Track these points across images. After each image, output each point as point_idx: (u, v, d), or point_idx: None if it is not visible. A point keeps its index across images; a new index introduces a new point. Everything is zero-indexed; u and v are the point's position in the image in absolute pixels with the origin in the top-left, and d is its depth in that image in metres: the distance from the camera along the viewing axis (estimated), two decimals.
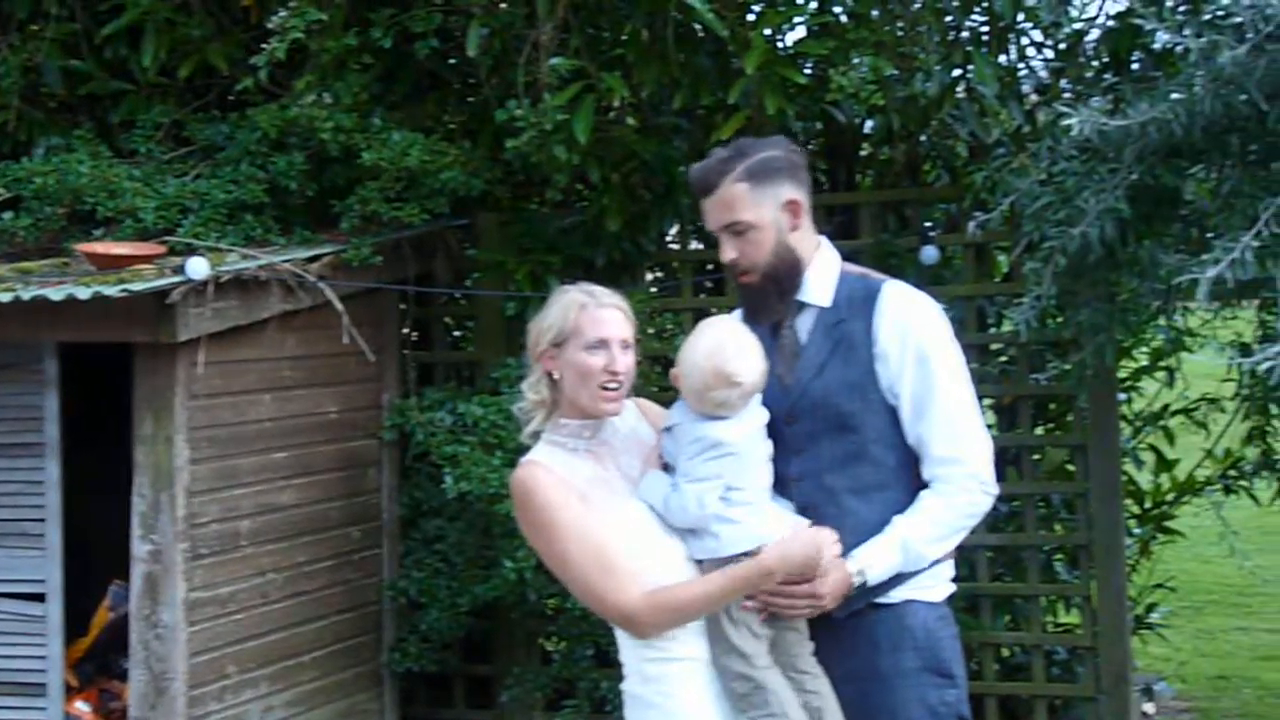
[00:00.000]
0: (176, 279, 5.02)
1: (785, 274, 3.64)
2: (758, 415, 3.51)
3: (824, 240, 3.77)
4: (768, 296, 3.65)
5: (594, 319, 3.52)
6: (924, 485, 3.61)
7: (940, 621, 3.64)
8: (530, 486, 3.47)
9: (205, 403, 5.27)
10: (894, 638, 3.59)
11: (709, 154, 3.74)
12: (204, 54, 6.11)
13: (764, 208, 3.61)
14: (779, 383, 3.64)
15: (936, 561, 3.65)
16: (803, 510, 3.58)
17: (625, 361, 3.51)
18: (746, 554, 3.41)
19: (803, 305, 3.68)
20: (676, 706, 3.42)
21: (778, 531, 3.45)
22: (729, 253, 3.64)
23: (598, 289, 3.60)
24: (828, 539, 3.47)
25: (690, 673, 3.43)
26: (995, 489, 3.62)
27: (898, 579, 3.58)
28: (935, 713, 3.61)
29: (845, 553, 3.53)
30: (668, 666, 3.43)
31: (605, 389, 3.48)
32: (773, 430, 3.60)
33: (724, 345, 3.50)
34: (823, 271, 3.70)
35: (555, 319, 3.54)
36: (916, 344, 3.59)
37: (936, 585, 3.66)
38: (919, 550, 3.55)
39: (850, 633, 3.57)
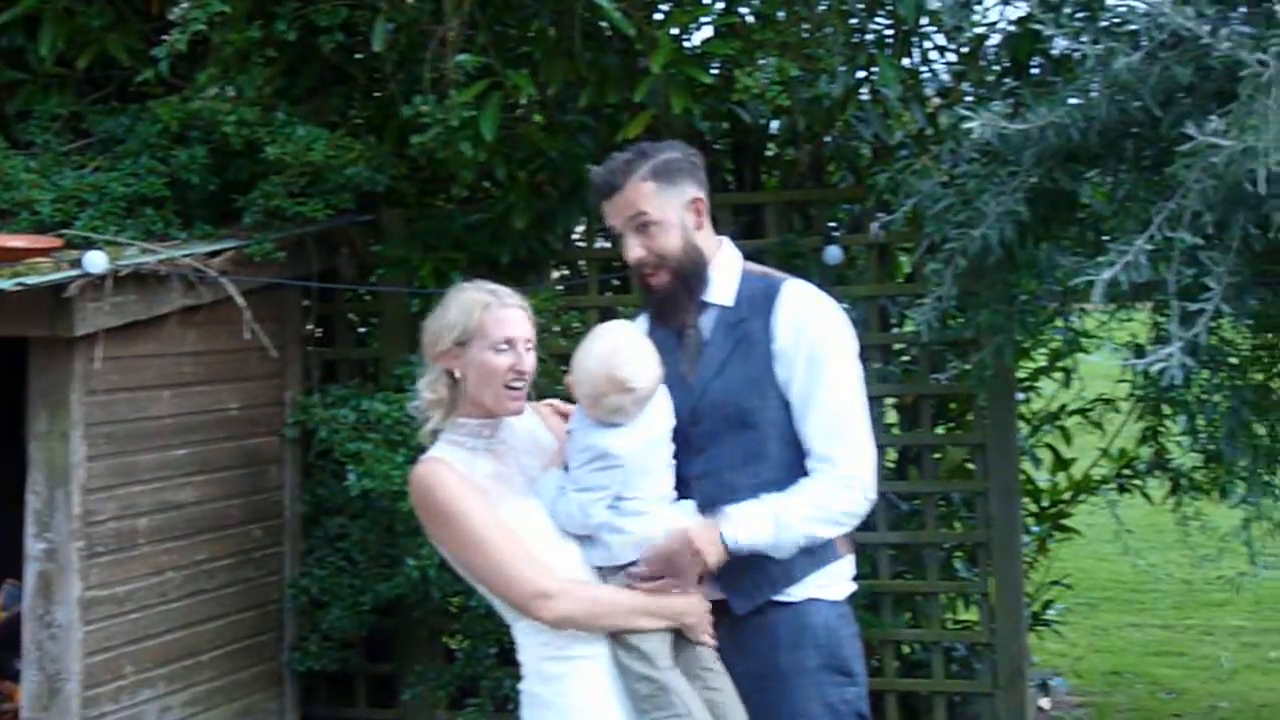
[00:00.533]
0: (74, 273, 4.95)
1: (693, 272, 3.66)
2: (654, 423, 3.49)
3: (725, 240, 3.80)
4: (678, 297, 3.67)
5: (498, 319, 3.52)
6: None
7: (841, 620, 3.67)
8: (431, 482, 3.47)
9: (103, 398, 5.20)
10: (794, 636, 3.61)
11: (609, 157, 3.74)
12: (103, 44, 6.02)
13: (670, 205, 3.64)
14: (682, 382, 3.66)
15: (833, 555, 3.67)
16: (704, 509, 3.58)
17: (530, 361, 3.52)
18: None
19: (705, 305, 3.70)
20: (574, 705, 3.42)
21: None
22: (635, 251, 3.64)
23: (499, 288, 3.60)
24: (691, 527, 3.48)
25: (589, 671, 3.42)
26: (871, 493, 3.62)
27: (797, 572, 3.60)
28: (835, 711, 3.64)
29: (737, 561, 3.55)
30: (566, 665, 3.43)
31: (510, 388, 3.49)
32: (677, 430, 3.62)
33: (617, 350, 3.50)
34: (725, 271, 3.73)
35: (458, 318, 3.53)
36: (810, 343, 3.61)
37: (837, 584, 3.69)
38: (789, 527, 3.52)
39: (751, 631, 3.60)
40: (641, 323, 3.84)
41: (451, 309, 3.57)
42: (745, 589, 3.61)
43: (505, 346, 3.49)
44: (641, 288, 3.74)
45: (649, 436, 3.47)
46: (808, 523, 3.56)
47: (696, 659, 3.52)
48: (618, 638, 3.43)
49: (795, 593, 3.63)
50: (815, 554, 3.63)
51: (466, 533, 3.43)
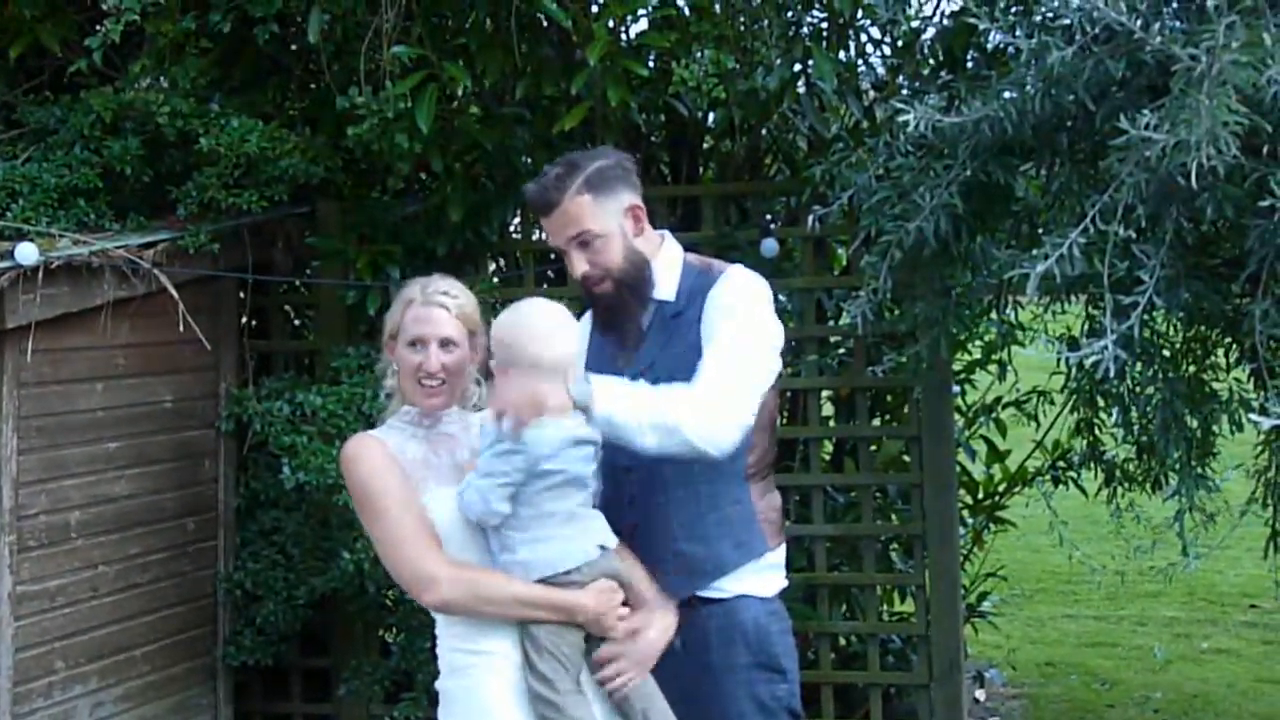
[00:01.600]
0: (5, 265, 4.91)
1: (638, 278, 3.69)
2: (570, 424, 3.40)
3: (666, 235, 3.83)
4: (625, 305, 3.69)
5: (415, 317, 3.57)
6: (748, 467, 3.66)
7: (771, 616, 3.68)
8: (356, 453, 3.51)
9: (34, 391, 5.15)
10: (725, 633, 3.64)
11: (541, 173, 3.73)
12: (36, 34, 5.94)
13: (608, 216, 3.65)
14: (619, 375, 3.66)
15: (763, 548, 3.67)
16: (631, 501, 3.62)
17: (440, 360, 3.52)
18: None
19: (650, 302, 3.73)
20: (478, 699, 3.40)
21: (585, 557, 3.42)
22: (580, 266, 3.65)
23: (433, 283, 3.62)
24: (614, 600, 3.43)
25: (495, 667, 3.40)
26: (721, 433, 3.48)
27: (727, 563, 3.62)
28: (765, 707, 3.66)
29: (675, 542, 3.62)
30: (474, 658, 3.42)
31: (422, 385, 3.53)
32: None
33: (527, 321, 3.46)
34: (667, 267, 3.76)
35: (393, 312, 3.62)
36: (725, 302, 3.62)
37: (767, 580, 3.71)
38: (640, 407, 3.42)
39: (683, 628, 3.59)
40: (585, 322, 3.84)
41: (395, 303, 3.64)
42: (673, 582, 3.61)
43: (417, 344, 3.54)
44: (587, 297, 3.74)
45: (560, 433, 3.38)
46: (653, 410, 3.43)
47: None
48: (526, 649, 3.39)
49: (726, 588, 3.65)
50: (744, 545, 3.67)
51: (376, 509, 3.46)
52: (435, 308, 3.57)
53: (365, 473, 3.48)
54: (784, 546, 3.80)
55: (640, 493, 3.66)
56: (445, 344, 3.54)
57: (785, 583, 3.80)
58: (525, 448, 3.35)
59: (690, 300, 3.69)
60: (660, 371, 3.61)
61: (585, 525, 3.44)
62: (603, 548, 3.44)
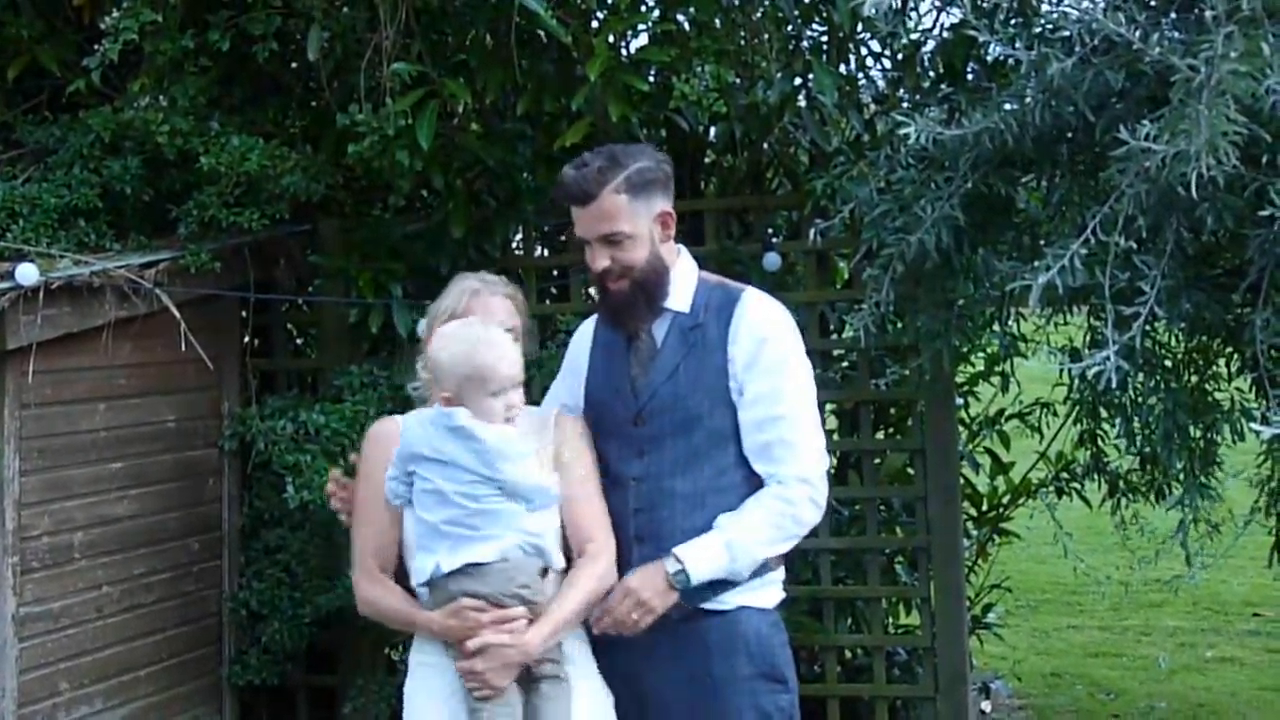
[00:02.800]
0: (4, 285, 4.89)
1: (655, 283, 3.72)
2: (433, 429, 3.52)
3: (683, 249, 3.87)
4: (636, 305, 3.72)
5: (484, 305, 3.71)
6: (754, 491, 3.68)
7: (773, 628, 3.70)
8: (371, 433, 3.74)
9: (36, 412, 5.14)
10: (726, 644, 3.66)
11: (580, 160, 3.75)
12: (34, 54, 5.94)
13: (640, 219, 3.68)
14: (631, 386, 3.71)
15: (767, 568, 3.68)
16: (637, 511, 3.66)
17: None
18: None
19: (661, 310, 3.76)
20: (413, 702, 3.69)
21: (434, 573, 3.53)
22: (602, 261, 3.68)
23: (493, 278, 3.80)
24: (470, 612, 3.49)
25: (425, 674, 3.65)
26: (823, 502, 3.69)
27: (728, 585, 3.62)
28: (769, 717, 3.67)
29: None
30: (415, 660, 3.69)
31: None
32: (620, 432, 3.71)
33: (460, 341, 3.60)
34: (682, 278, 3.79)
35: (450, 302, 3.75)
36: (770, 353, 3.68)
37: (768, 591, 3.71)
38: (746, 551, 3.60)
39: (683, 638, 3.65)
40: (589, 325, 3.88)
41: (449, 294, 3.78)
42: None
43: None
44: (600, 291, 3.78)
45: (420, 430, 3.53)
46: (762, 544, 3.63)
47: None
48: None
49: (727, 601, 3.66)
50: None
51: (359, 495, 3.71)
52: (501, 298, 3.75)
53: (364, 454, 3.72)
54: (783, 562, 3.81)
55: (646, 504, 3.69)
56: (513, 334, 3.66)
57: (783, 595, 3.81)
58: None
59: (709, 315, 3.73)
60: (684, 382, 3.68)
61: (452, 543, 3.49)
62: (468, 568, 3.47)
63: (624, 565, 3.67)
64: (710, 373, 3.67)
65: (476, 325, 3.62)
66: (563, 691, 3.56)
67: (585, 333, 3.97)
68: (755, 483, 3.68)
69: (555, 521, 3.61)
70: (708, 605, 3.65)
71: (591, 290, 4.27)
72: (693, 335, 3.72)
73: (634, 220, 3.66)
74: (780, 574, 3.79)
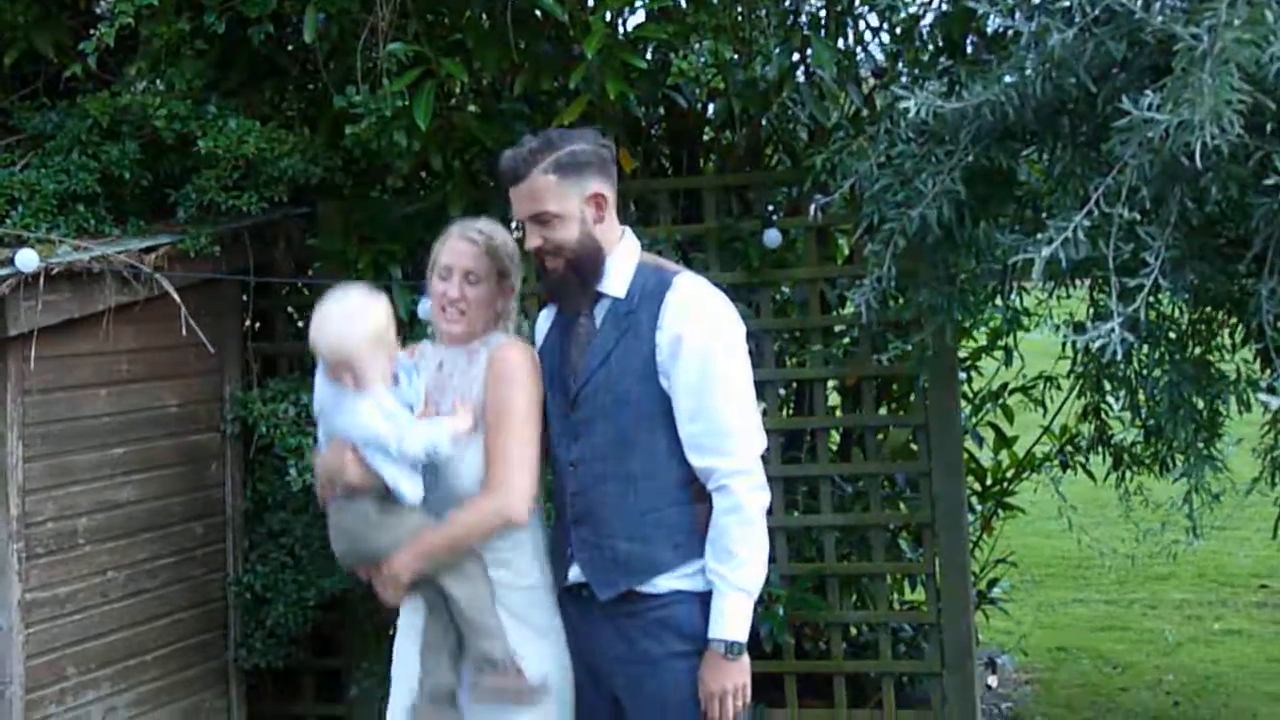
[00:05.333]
0: (5, 271, 4.89)
1: (588, 263, 3.79)
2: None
3: (627, 230, 3.93)
4: (570, 285, 3.80)
5: (447, 248, 3.89)
6: (691, 472, 3.73)
7: (706, 608, 3.75)
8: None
9: (39, 398, 5.14)
10: (659, 625, 3.75)
11: (520, 141, 3.86)
12: (29, 40, 5.92)
13: (569, 200, 3.75)
14: (570, 369, 3.82)
15: (700, 555, 3.75)
16: (575, 493, 3.77)
17: (462, 290, 3.83)
18: None
19: (600, 296, 3.82)
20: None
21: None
22: (534, 240, 3.78)
23: (472, 223, 3.93)
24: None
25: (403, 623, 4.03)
26: (765, 482, 3.74)
27: (660, 564, 3.73)
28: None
29: (614, 539, 3.75)
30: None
31: (445, 311, 3.85)
32: (559, 415, 3.81)
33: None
34: (622, 263, 3.85)
35: (434, 247, 3.95)
36: (695, 340, 3.71)
37: (703, 577, 3.75)
38: (749, 577, 3.70)
39: (620, 618, 3.76)
40: (551, 309, 4.00)
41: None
42: (607, 577, 3.76)
43: (444, 274, 3.86)
44: (539, 270, 3.87)
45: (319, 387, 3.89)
46: (753, 558, 3.71)
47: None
48: None
49: (660, 583, 3.76)
50: (682, 548, 3.75)
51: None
52: (465, 242, 3.86)
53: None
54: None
55: (583, 487, 3.79)
56: (468, 275, 3.83)
57: None
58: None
59: (643, 300, 3.78)
60: (615, 367, 3.74)
61: None
62: None
63: (566, 544, 3.83)
64: (639, 358, 3.73)
65: (342, 296, 3.90)
66: (462, 573, 3.79)
67: (544, 316, 4.06)
68: (687, 467, 3.73)
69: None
70: (641, 588, 3.74)
71: None
72: (626, 320, 3.78)
73: (562, 200, 3.73)
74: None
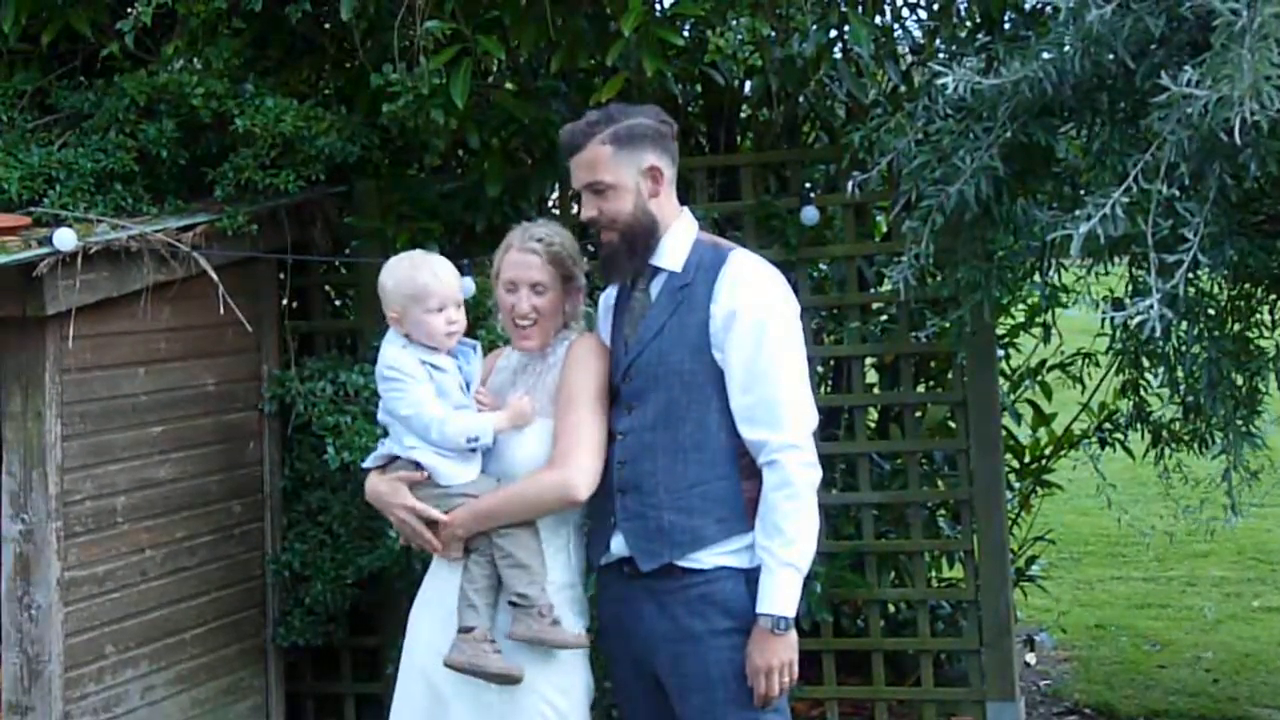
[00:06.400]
0: (43, 250, 4.90)
1: (640, 236, 3.81)
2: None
3: (685, 210, 3.94)
4: (619, 255, 3.83)
5: (510, 261, 3.90)
6: (740, 447, 3.73)
7: (752, 586, 3.75)
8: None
9: (77, 377, 5.16)
10: (703, 600, 3.74)
11: (584, 114, 3.92)
12: (67, 19, 5.92)
13: (625, 171, 3.79)
14: (624, 342, 3.86)
15: (745, 530, 3.75)
16: (621, 464, 3.78)
17: (531, 303, 3.86)
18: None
19: (656, 270, 3.84)
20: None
21: None
22: (589, 210, 3.82)
23: (531, 229, 3.94)
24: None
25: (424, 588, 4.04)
26: (816, 459, 3.73)
27: (705, 537, 3.73)
28: (745, 673, 3.74)
29: (660, 510, 3.74)
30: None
31: (517, 325, 3.87)
32: (615, 388, 3.84)
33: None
34: (679, 238, 3.86)
35: (496, 256, 3.96)
36: (751, 313, 3.73)
37: (748, 553, 3.75)
38: (803, 556, 3.69)
39: (665, 595, 3.76)
40: (609, 296, 4.04)
41: (500, 247, 3.99)
42: (650, 547, 3.76)
43: (510, 287, 3.90)
44: (595, 244, 3.96)
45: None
46: (803, 534, 3.69)
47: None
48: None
49: (704, 559, 3.75)
50: (726, 522, 3.75)
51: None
52: (529, 254, 3.87)
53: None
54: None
55: (629, 457, 3.80)
56: (536, 287, 3.86)
57: None
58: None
59: (698, 274, 3.80)
60: (668, 338, 3.76)
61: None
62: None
63: (610, 514, 3.83)
64: (693, 330, 3.74)
65: (418, 252, 4.10)
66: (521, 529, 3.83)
67: (609, 295, 4.07)
68: (737, 439, 3.73)
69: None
70: (685, 564, 3.73)
71: None
72: (681, 294, 3.79)
73: (617, 171, 3.77)
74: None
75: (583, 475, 3.76)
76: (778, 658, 3.67)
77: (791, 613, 3.67)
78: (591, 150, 3.77)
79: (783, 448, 3.66)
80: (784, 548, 3.65)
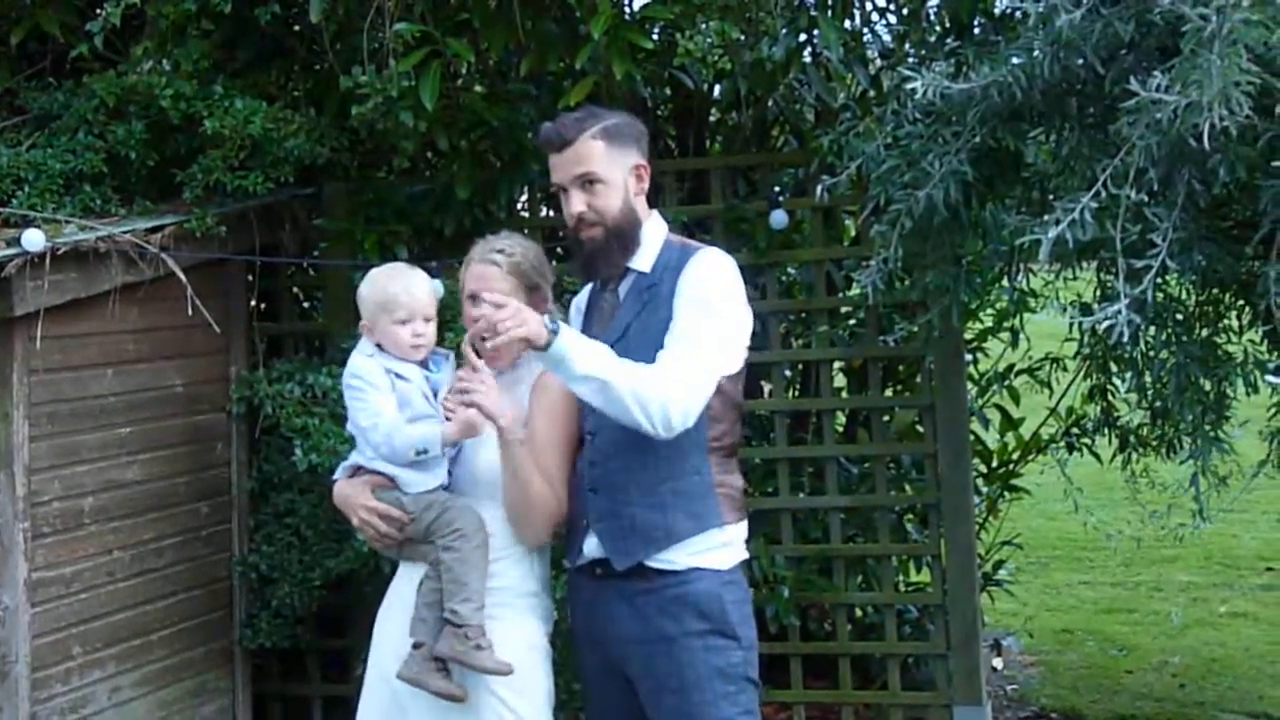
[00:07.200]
0: (11, 251, 4.88)
1: (627, 232, 3.82)
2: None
3: (655, 212, 3.95)
4: (610, 252, 3.82)
5: (471, 274, 3.92)
6: (711, 442, 3.74)
7: (725, 587, 3.76)
8: None
9: (45, 378, 5.13)
10: (677, 601, 3.73)
11: (560, 115, 3.91)
12: (36, 19, 5.92)
13: (615, 167, 3.79)
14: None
15: (718, 524, 3.74)
16: (591, 463, 3.79)
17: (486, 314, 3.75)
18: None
19: (627, 270, 3.86)
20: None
21: None
22: (577, 205, 3.78)
23: (491, 241, 3.95)
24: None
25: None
26: (676, 416, 3.59)
27: (673, 538, 3.71)
28: (724, 674, 3.77)
29: (631, 507, 3.74)
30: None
31: (484, 339, 3.74)
32: None
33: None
34: (651, 239, 3.87)
35: (460, 272, 3.99)
36: (695, 287, 3.73)
37: (721, 553, 3.76)
38: (599, 366, 3.54)
39: (637, 597, 3.75)
40: (586, 290, 4.03)
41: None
42: (624, 545, 3.74)
43: (473, 301, 3.87)
44: (573, 242, 3.88)
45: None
46: (621, 375, 3.55)
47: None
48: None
49: (678, 560, 3.73)
50: (699, 517, 3.74)
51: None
52: (489, 265, 3.88)
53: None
54: (744, 524, 3.87)
55: (601, 457, 3.80)
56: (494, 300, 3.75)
57: (744, 555, 3.86)
58: None
59: (665, 274, 3.80)
60: (633, 338, 3.75)
61: None
62: None
63: (583, 515, 3.82)
64: (657, 328, 3.74)
65: (400, 264, 4.15)
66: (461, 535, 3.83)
67: (581, 298, 4.08)
68: (707, 433, 3.72)
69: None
70: (658, 565, 3.73)
71: None
72: (648, 294, 3.80)
73: (608, 165, 3.77)
74: (737, 535, 3.81)
75: (561, 506, 3.89)
76: (530, 317, 3.49)
77: (550, 343, 3.48)
78: (583, 144, 3.76)
79: (667, 380, 3.58)
80: (620, 361, 3.56)
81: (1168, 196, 4.04)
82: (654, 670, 3.74)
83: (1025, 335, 6.49)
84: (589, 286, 4.02)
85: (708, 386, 3.66)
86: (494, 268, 3.88)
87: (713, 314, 3.70)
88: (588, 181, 3.76)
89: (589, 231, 3.79)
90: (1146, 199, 3.98)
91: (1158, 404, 4.88)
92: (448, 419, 3.89)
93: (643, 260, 3.83)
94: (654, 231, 3.88)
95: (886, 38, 6.31)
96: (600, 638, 3.86)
